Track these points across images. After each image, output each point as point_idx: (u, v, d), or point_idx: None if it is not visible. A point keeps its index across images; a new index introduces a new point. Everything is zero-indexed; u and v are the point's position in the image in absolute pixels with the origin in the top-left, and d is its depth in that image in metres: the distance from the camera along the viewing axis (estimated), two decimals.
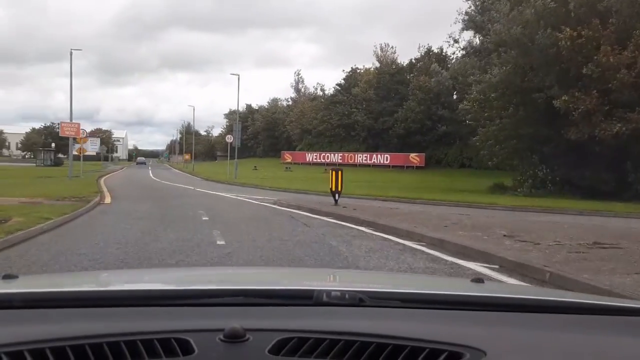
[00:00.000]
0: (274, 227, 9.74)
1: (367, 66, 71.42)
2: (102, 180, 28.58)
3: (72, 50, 31.80)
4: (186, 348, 1.00)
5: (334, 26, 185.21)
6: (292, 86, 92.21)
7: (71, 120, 31.37)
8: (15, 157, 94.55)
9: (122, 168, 63.72)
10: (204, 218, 11.09)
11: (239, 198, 17.46)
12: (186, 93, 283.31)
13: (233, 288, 1.46)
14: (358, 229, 9.58)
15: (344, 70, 71.82)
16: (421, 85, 59.85)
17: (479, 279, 1.73)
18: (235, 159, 36.47)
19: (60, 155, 64.99)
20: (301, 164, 64.40)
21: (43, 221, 9.10)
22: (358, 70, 71.12)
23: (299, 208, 13.36)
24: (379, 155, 61.68)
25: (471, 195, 22.08)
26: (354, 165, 60.56)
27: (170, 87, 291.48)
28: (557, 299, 1.55)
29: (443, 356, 1.02)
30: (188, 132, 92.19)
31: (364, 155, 62.47)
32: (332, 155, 64.81)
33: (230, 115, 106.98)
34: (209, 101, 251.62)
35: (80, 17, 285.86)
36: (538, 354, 1.08)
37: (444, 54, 64.77)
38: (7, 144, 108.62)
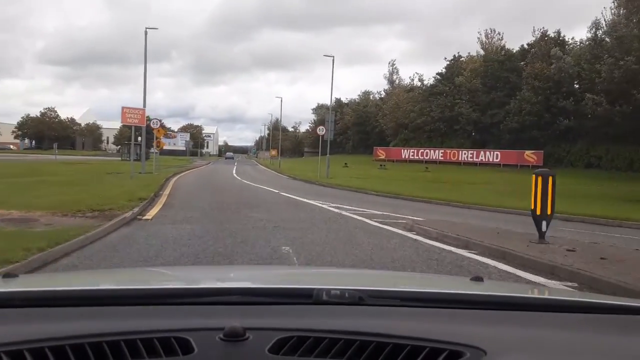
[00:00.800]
0: None
1: (472, 54, 63.58)
2: (173, 179, 24.02)
3: (147, 30, 27.81)
4: (186, 347, 0.99)
5: (424, 21, 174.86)
6: (385, 77, 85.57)
7: (144, 106, 27.12)
8: (110, 152, 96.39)
9: (208, 163, 60.46)
10: None
11: (342, 213, 11.61)
12: (275, 91, 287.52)
13: (233, 287, 1.45)
14: None
15: (445, 58, 64.11)
16: (537, 73, 51.59)
17: (478, 278, 1.64)
18: (327, 155, 30.88)
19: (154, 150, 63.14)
20: (396, 161, 58.28)
21: None
22: (461, 59, 63.30)
23: (466, 246, 7.17)
24: (487, 153, 54.05)
25: None
26: (457, 163, 53.63)
27: (261, 85, 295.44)
28: (557, 298, 1.51)
29: (443, 355, 1.01)
30: (275, 129, 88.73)
31: (469, 152, 55.10)
32: (431, 151, 57.99)
33: (319, 109, 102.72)
34: (297, 98, 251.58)
35: (178, 18, 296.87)
36: (538, 352, 1.06)
37: (561, 38, 56.05)
38: (105, 138, 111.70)
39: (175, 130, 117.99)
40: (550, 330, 1.16)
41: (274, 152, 69.10)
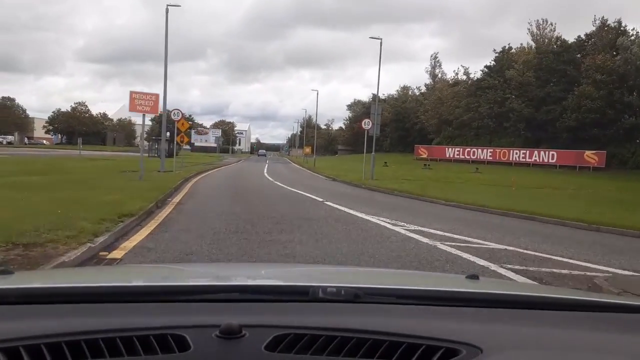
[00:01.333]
0: None
1: (523, 45, 58.38)
2: (193, 180, 20.39)
3: (168, 7, 24.33)
4: (182, 344, 0.99)
5: (460, 18, 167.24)
6: (427, 71, 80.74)
7: (165, 95, 23.50)
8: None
9: (239, 161, 56.98)
10: None
11: (438, 246, 7.22)
12: (308, 89, 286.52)
13: (229, 284, 1.44)
14: None
15: (494, 50, 59.04)
16: (599, 65, 46.35)
17: (474, 276, 1.63)
18: (373, 153, 26.78)
19: (185, 146, 60.36)
20: (439, 160, 53.86)
21: None
22: (511, 50, 58.18)
23: None
24: (541, 152, 49.20)
25: None
26: (508, 163, 48.86)
27: (294, 83, 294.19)
28: (553, 296, 1.49)
29: (439, 353, 1.01)
30: (308, 126, 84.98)
31: (521, 151, 50.31)
32: (479, 150, 53.29)
33: (354, 105, 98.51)
34: (329, 96, 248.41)
35: (214, 16, 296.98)
36: (534, 350, 1.06)
37: (623, 27, 50.55)
38: (138, 134, 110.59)
39: (208, 127, 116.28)
40: (547, 328, 1.16)
41: (307, 150, 65.01)
